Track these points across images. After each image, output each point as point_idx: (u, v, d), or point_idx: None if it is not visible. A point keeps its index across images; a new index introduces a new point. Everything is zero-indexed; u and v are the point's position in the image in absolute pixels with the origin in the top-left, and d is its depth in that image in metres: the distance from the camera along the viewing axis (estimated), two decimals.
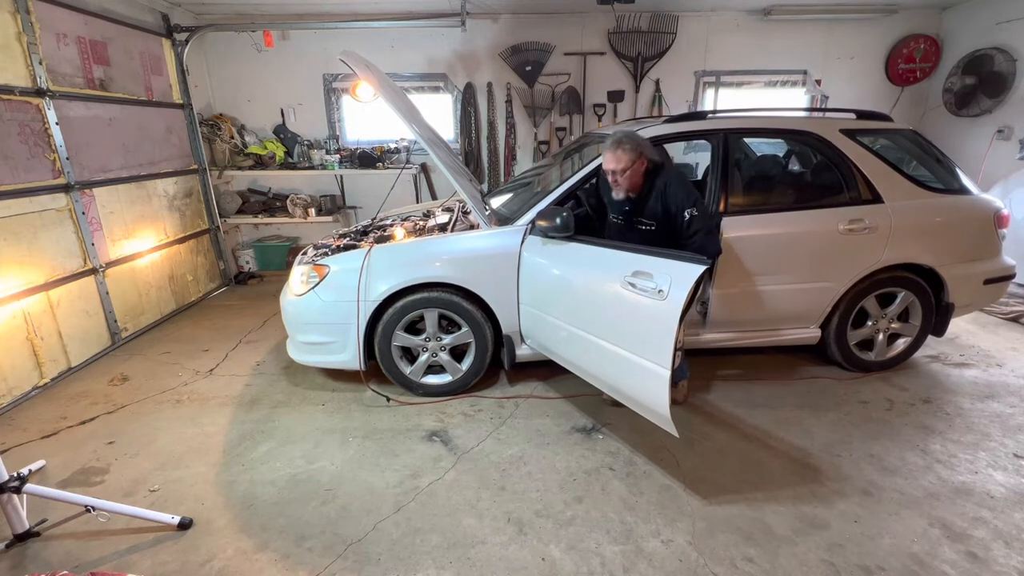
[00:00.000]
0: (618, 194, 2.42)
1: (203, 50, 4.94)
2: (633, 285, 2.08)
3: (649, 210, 2.40)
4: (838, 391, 2.87)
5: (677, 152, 5.17)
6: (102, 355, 3.44)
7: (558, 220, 2.40)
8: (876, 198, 2.78)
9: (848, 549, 1.83)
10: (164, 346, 3.61)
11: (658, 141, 2.79)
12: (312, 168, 5.01)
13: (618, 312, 2.16)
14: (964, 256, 2.90)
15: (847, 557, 1.79)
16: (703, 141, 2.93)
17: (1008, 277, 3.02)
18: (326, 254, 2.83)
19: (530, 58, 5.06)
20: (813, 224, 2.75)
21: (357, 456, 2.37)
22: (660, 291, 1.97)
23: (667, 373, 1.95)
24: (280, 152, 5.07)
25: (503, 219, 2.77)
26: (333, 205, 5.28)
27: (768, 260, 2.75)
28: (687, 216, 2.28)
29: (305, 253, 3.01)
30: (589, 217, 2.69)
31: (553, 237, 2.47)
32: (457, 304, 2.67)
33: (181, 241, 4.38)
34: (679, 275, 1.93)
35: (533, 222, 2.56)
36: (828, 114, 3.04)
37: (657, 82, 5.28)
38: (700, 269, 1.89)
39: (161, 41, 4.28)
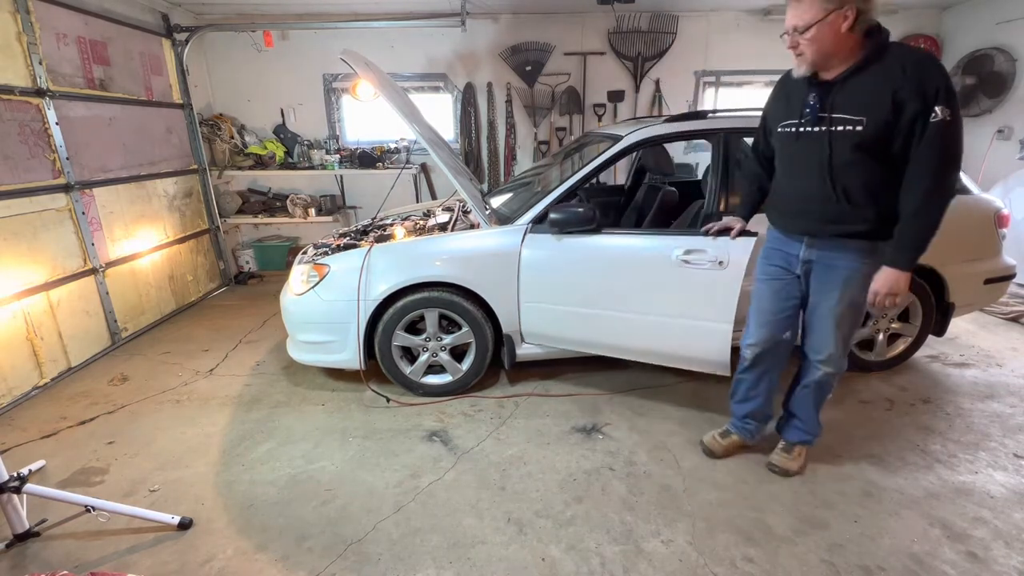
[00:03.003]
0: (800, 69, 1.68)
1: (203, 50, 4.94)
2: (687, 262, 2.36)
3: (859, 97, 1.62)
4: (838, 391, 2.86)
5: (677, 152, 5.17)
6: (102, 355, 3.44)
7: (583, 214, 2.45)
8: None
9: (848, 549, 1.83)
10: (164, 346, 3.61)
11: (658, 141, 2.79)
12: (312, 168, 5.01)
13: (677, 287, 2.41)
14: (964, 256, 2.90)
15: (847, 557, 1.79)
16: (703, 141, 2.93)
17: (1008, 277, 3.02)
18: (326, 253, 2.83)
19: (530, 58, 5.06)
20: None
21: (357, 456, 2.37)
22: (720, 262, 2.29)
23: (729, 327, 2.32)
24: (280, 152, 5.07)
25: (504, 218, 2.77)
26: (333, 205, 5.28)
27: None
28: (936, 116, 1.52)
29: (305, 253, 3.01)
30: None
31: (572, 232, 2.51)
32: (457, 304, 2.67)
33: (181, 241, 4.38)
34: (735, 245, 2.26)
35: (541, 218, 2.59)
36: None
37: (657, 82, 5.28)
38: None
39: (161, 41, 4.28)
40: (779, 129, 1.86)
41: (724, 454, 2.30)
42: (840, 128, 1.67)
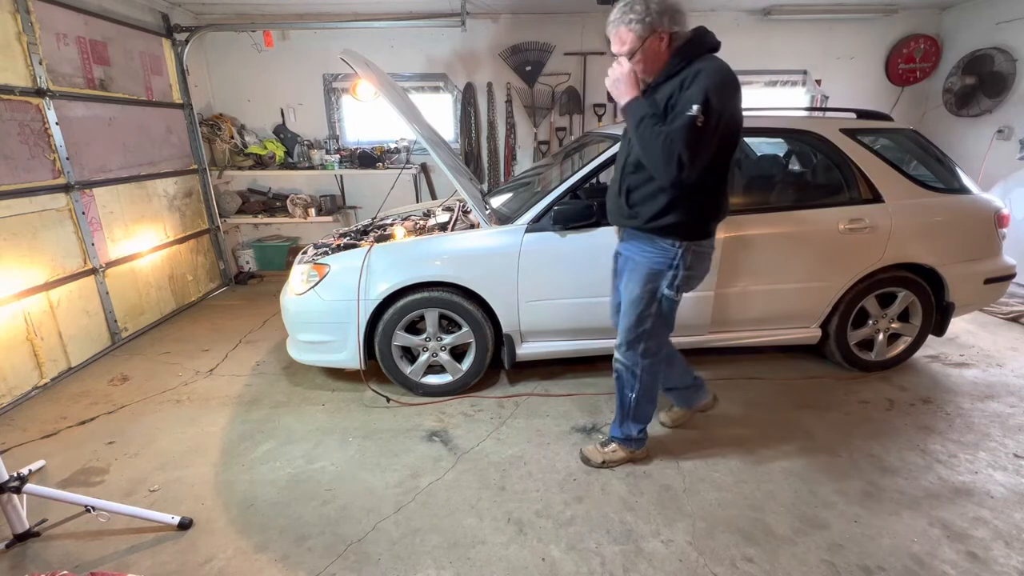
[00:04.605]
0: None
1: (203, 50, 4.93)
2: None
3: (648, 103, 1.79)
4: (838, 391, 2.87)
5: None
6: (102, 355, 3.44)
7: (583, 205, 2.52)
8: (876, 198, 2.78)
9: (848, 549, 1.83)
10: (164, 346, 3.61)
11: None
12: (312, 168, 5.00)
13: None
14: (964, 256, 2.90)
15: (847, 557, 1.79)
16: None
17: (1008, 277, 3.02)
18: (326, 253, 2.83)
19: (530, 58, 5.06)
20: (813, 223, 2.75)
21: (357, 456, 2.37)
22: None
23: (711, 293, 2.69)
24: (280, 152, 5.07)
25: (504, 218, 2.77)
26: (333, 205, 5.28)
27: (768, 259, 2.76)
28: (688, 112, 1.63)
29: (305, 252, 3.01)
30: None
31: (572, 227, 2.56)
32: (457, 303, 2.67)
33: (181, 241, 4.38)
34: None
35: (541, 218, 2.60)
36: (828, 114, 3.04)
37: None
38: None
39: (161, 41, 4.28)
40: None
41: (674, 424, 2.54)
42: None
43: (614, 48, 1.81)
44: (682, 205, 1.83)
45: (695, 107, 1.61)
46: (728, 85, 1.69)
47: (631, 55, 1.77)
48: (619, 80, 1.79)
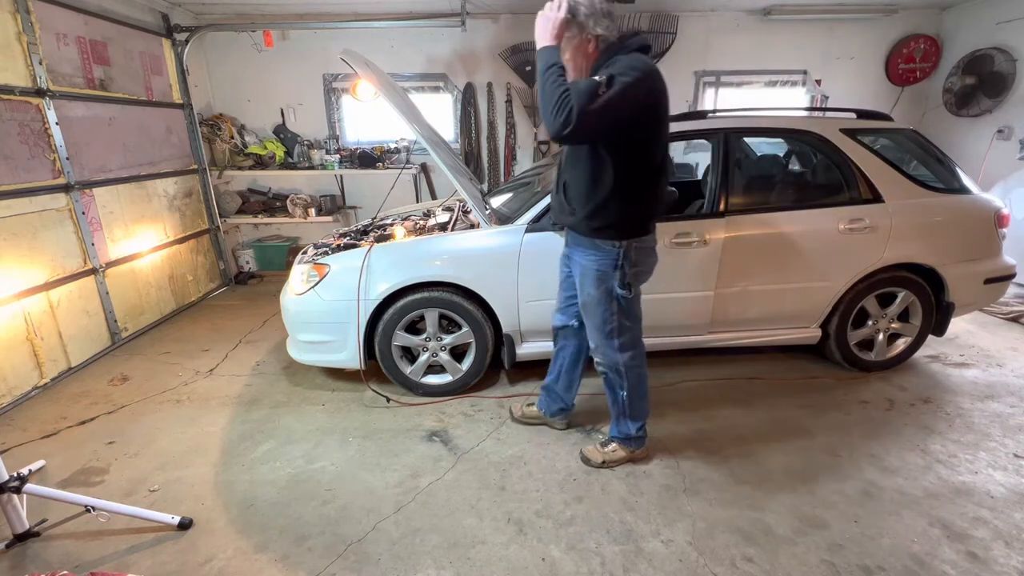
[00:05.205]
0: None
1: (203, 50, 4.93)
2: (678, 244, 2.62)
3: None
4: (838, 391, 2.87)
5: (677, 152, 5.17)
6: (102, 355, 3.44)
7: None
8: (876, 197, 2.78)
9: (848, 549, 1.83)
10: (164, 346, 3.61)
11: None
12: (312, 168, 5.00)
13: (670, 266, 2.59)
14: (964, 256, 2.90)
15: (847, 557, 1.79)
16: (703, 141, 2.93)
17: (1008, 277, 3.02)
18: (326, 253, 2.83)
19: (530, 58, 5.05)
20: (813, 223, 2.75)
21: (357, 456, 2.37)
22: (706, 241, 2.65)
23: (711, 293, 2.75)
24: (280, 152, 5.07)
25: (504, 218, 2.77)
26: (333, 205, 5.28)
27: (768, 259, 2.76)
28: (595, 78, 1.67)
29: (305, 252, 3.01)
30: None
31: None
32: (457, 303, 2.67)
33: (181, 241, 4.38)
34: (710, 226, 2.64)
35: (541, 218, 2.60)
36: (828, 114, 3.04)
37: None
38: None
39: (161, 41, 4.28)
40: None
41: (523, 419, 2.58)
42: None
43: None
44: (615, 203, 1.87)
45: (601, 77, 1.65)
46: (640, 72, 1.69)
47: (561, 51, 1.83)
48: (548, 21, 1.76)
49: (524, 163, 5.43)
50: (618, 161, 1.81)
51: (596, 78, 1.66)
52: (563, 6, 1.76)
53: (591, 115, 1.63)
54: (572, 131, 1.64)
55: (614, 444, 2.28)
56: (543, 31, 1.77)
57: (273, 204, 5.25)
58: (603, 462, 2.25)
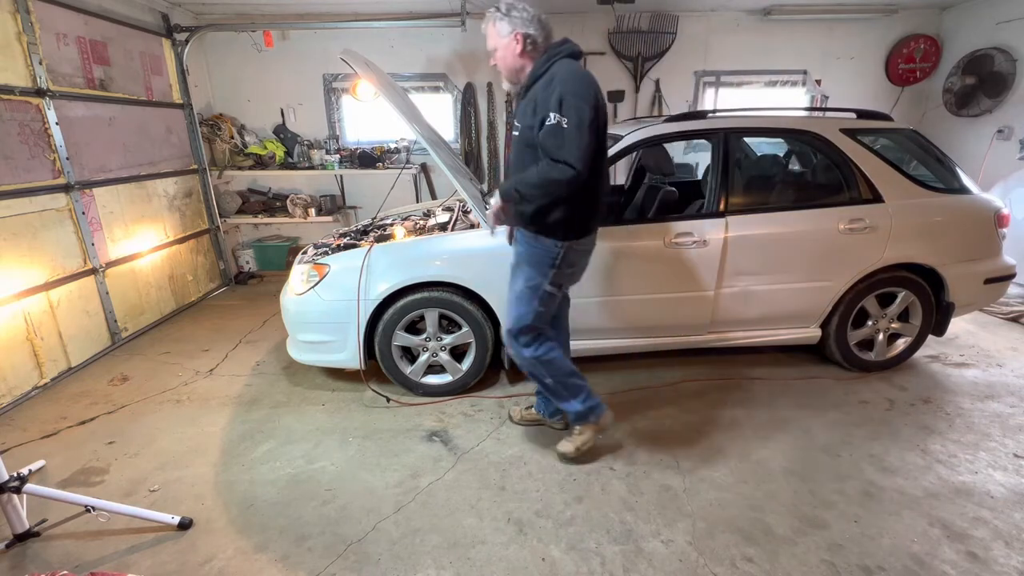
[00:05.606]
0: (504, 83, 2.09)
1: (203, 50, 4.93)
2: (678, 244, 2.65)
3: (523, 108, 1.94)
4: (838, 391, 2.87)
5: (677, 152, 5.17)
6: (102, 355, 3.44)
7: None
8: (876, 197, 2.78)
9: (848, 549, 1.83)
10: (164, 346, 3.61)
11: (658, 141, 2.80)
12: (312, 168, 5.01)
13: (670, 266, 2.70)
14: (964, 256, 2.90)
15: (847, 557, 1.79)
16: (703, 141, 2.93)
17: (1008, 277, 3.02)
18: (326, 253, 2.83)
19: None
20: (813, 223, 2.75)
21: (357, 456, 2.37)
22: (706, 241, 2.66)
23: (711, 293, 2.77)
24: (280, 152, 5.07)
25: None
26: (333, 205, 5.28)
27: (768, 259, 2.76)
28: (552, 121, 1.75)
29: (305, 252, 3.01)
30: None
31: None
32: (457, 304, 2.67)
33: (181, 241, 4.38)
34: (708, 227, 2.67)
35: None
36: (828, 114, 3.04)
37: (657, 82, 5.28)
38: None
39: (161, 41, 4.28)
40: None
41: (521, 421, 2.58)
42: (516, 133, 2.00)
43: (487, 43, 1.99)
44: (562, 204, 1.92)
45: (552, 115, 1.75)
46: (580, 82, 1.80)
47: (493, 50, 1.96)
48: (491, 215, 2.02)
49: None
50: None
51: (550, 122, 1.75)
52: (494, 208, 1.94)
53: (573, 146, 1.74)
54: (579, 168, 1.74)
55: (576, 427, 2.29)
56: (495, 221, 2.01)
57: (273, 204, 5.25)
58: (577, 447, 2.26)
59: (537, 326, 2.11)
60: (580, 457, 2.29)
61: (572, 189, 1.80)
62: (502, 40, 1.92)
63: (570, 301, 2.39)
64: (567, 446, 2.29)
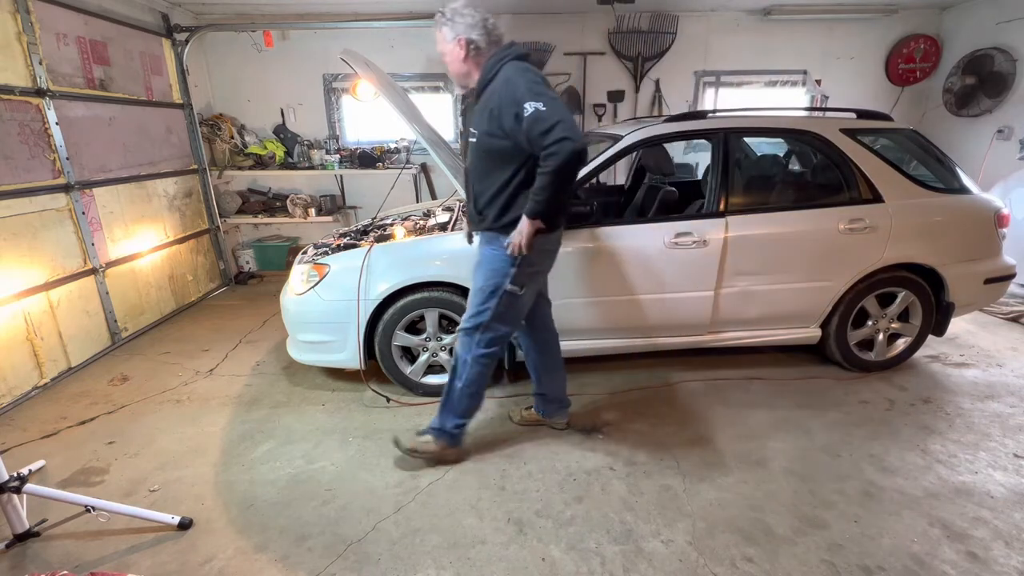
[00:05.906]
0: (455, 88, 2.17)
1: (203, 50, 4.93)
2: (678, 244, 2.64)
3: (477, 113, 1.94)
4: (838, 391, 2.87)
5: (677, 152, 5.17)
6: (102, 355, 3.44)
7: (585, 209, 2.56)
8: (876, 197, 2.78)
9: (848, 549, 1.83)
10: (164, 346, 3.61)
11: (658, 141, 2.80)
12: (312, 168, 5.01)
13: (670, 266, 2.70)
14: (964, 256, 2.90)
15: (847, 557, 1.79)
16: (703, 141, 2.93)
17: (1008, 277, 3.02)
18: (326, 253, 2.83)
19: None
20: (813, 223, 2.75)
21: (357, 456, 2.37)
22: (706, 242, 2.65)
23: (711, 293, 2.76)
24: (280, 152, 5.07)
25: None
26: (333, 205, 5.28)
27: (768, 259, 2.76)
28: (529, 111, 1.72)
29: (305, 252, 3.01)
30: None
31: (571, 226, 2.56)
32: (458, 304, 2.66)
33: (181, 241, 4.38)
34: (710, 226, 2.68)
35: None
36: (828, 114, 3.04)
37: (657, 82, 5.28)
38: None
39: (161, 41, 4.28)
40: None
41: (522, 423, 2.58)
42: (472, 139, 2.00)
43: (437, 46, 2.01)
44: (522, 200, 1.91)
45: (526, 106, 1.73)
46: (534, 75, 1.83)
47: (442, 55, 1.98)
48: (518, 243, 1.93)
49: None
50: (523, 161, 1.89)
51: (526, 114, 1.73)
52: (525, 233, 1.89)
53: (559, 120, 1.71)
54: (575, 137, 1.72)
55: (428, 436, 2.26)
56: (524, 243, 1.92)
57: (273, 204, 5.25)
58: (412, 449, 2.24)
59: (491, 325, 2.07)
60: (404, 460, 2.29)
61: (581, 159, 1.76)
62: (447, 45, 1.93)
63: (551, 302, 2.38)
64: (409, 440, 2.26)
